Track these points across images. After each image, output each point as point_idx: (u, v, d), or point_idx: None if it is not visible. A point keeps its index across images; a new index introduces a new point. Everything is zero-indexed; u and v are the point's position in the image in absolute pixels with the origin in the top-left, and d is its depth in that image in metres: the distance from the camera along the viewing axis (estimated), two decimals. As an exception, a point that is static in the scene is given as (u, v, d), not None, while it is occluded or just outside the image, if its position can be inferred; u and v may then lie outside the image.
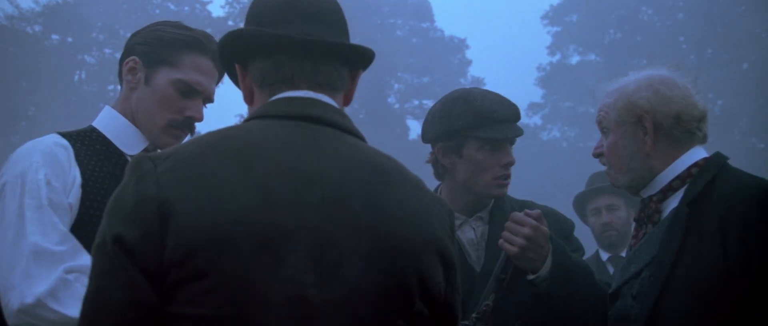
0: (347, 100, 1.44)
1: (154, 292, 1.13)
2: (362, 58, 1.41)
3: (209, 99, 2.00)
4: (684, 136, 1.92)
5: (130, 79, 1.96)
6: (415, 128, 32.28)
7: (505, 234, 2.06)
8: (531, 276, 2.04)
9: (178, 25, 2.02)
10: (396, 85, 33.76)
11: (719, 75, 24.00)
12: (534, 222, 2.04)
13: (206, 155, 1.20)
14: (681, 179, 1.90)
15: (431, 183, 2.23)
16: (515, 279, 2.07)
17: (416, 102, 33.95)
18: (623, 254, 3.63)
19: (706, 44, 26.54)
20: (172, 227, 1.13)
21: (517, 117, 2.26)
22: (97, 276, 1.16)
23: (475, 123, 2.17)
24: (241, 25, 1.44)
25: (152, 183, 1.17)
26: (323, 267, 1.16)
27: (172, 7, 28.77)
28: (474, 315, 2.02)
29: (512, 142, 2.26)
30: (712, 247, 1.72)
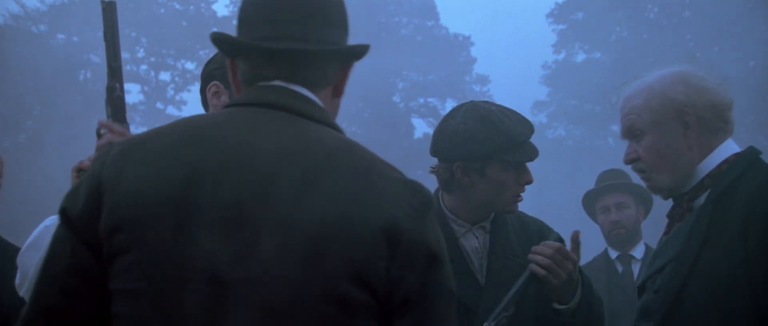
0: (337, 92, 1.42)
1: (97, 264, 1.23)
2: (350, 55, 1.39)
3: None
4: (719, 126, 1.89)
5: (216, 103, 2.15)
6: (420, 126, 32.24)
7: (535, 256, 2.10)
8: (558, 307, 2.08)
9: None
10: (400, 84, 33.70)
11: (726, 73, 23.89)
12: (562, 248, 2.08)
13: (154, 139, 1.28)
14: (712, 177, 1.86)
15: (431, 182, 2.22)
16: (532, 297, 2.11)
17: (421, 100, 33.89)
18: (632, 252, 3.62)
19: (712, 42, 26.42)
20: (107, 204, 1.22)
21: (532, 133, 2.27)
22: (52, 242, 1.29)
23: (504, 146, 2.16)
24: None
25: (100, 163, 1.28)
26: (238, 246, 1.18)
27: (177, 6, 28.75)
28: (493, 322, 2.03)
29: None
30: (733, 246, 1.70)
